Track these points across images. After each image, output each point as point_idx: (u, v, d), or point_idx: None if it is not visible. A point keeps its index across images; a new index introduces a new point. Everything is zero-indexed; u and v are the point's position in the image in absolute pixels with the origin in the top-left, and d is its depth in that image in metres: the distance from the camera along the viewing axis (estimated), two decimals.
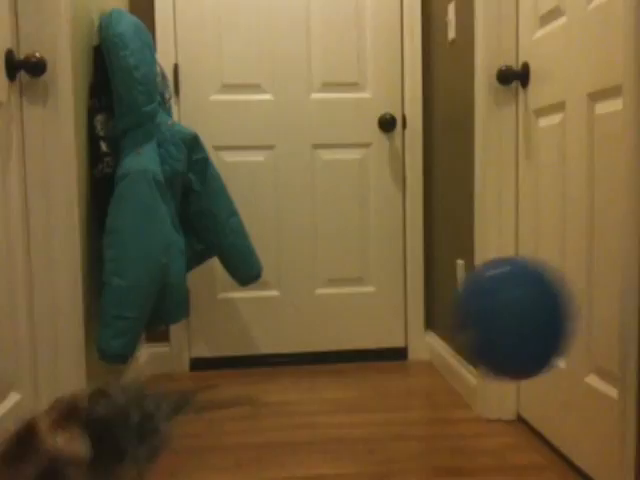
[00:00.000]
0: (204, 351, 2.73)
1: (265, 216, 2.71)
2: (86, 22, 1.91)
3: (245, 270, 2.21)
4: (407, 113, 2.72)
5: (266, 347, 2.74)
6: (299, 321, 2.76)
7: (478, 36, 1.99)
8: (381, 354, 2.78)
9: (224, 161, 2.65)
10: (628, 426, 1.28)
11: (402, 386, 2.44)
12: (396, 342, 2.81)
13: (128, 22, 1.89)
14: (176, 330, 2.68)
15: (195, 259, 2.17)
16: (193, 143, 2.04)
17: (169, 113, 2.17)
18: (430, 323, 2.79)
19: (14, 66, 1.55)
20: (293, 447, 1.87)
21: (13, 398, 1.56)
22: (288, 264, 2.73)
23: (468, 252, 2.21)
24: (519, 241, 1.97)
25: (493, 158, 1.97)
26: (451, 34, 2.34)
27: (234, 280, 2.26)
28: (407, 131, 2.72)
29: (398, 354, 2.80)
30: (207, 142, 2.57)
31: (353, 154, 2.74)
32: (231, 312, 2.73)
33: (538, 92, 1.82)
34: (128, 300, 1.75)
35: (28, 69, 1.57)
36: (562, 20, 1.66)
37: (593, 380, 1.55)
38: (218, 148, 2.66)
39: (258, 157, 2.70)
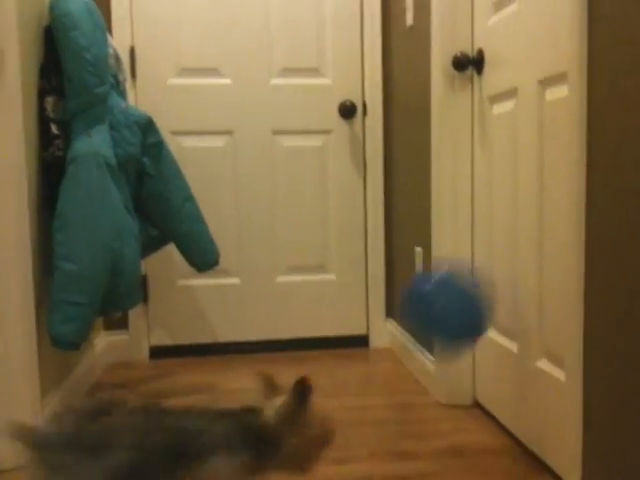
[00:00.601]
0: (163, 339, 2.70)
1: (224, 202, 2.68)
2: (36, 1, 1.86)
3: (202, 256, 2.18)
4: (367, 100, 2.71)
5: (226, 335, 2.73)
6: (259, 309, 2.75)
7: (434, 22, 1.99)
8: (343, 342, 2.79)
9: (182, 146, 2.62)
10: (574, 409, 1.30)
11: (362, 373, 2.45)
12: (358, 330, 2.82)
13: (79, 2, 1.85)
14: (135, 318, 2.65)
15: (150, 245, 2.14)
16: (147, 127, 2.00)
17: (123, 96, 2.13)
18: (390, 311, 2.81)
19: None
20: None
21: None
22: (248, 251, 2.72)
23: (426, 240, 2.22)
24: (474, 227, 1.98)
25: (448, 145, 1.98)
26: (409, 20, 2.34)
27: (191, 267, 2.24)
28: (367, 118, 2.72)
29: (359, 342, 2.81)
30: (164, 127, 2.54)
31: (313, 141, 2.73)
32: (191, 300, 2.71)
33: (492, 79, 1.82)
34: (79, 285, 1.72)
35: None
36: (513, 7, 1.66)
37: (544, 364, 1.57)
38: (176, 133, 2.62)
39: (217, 143, 2.67)
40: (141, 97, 2.58)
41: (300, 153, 2.73)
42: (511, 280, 1.74)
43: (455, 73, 1.94)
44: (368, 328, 2.81)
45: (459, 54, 1.90)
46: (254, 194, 2.71)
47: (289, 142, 2.72)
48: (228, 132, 2.67)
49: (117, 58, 2.12)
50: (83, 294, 1.72)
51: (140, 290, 1.96)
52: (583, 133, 1.25)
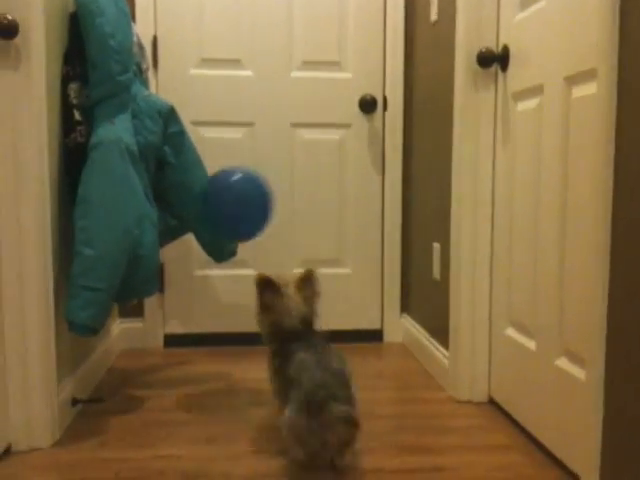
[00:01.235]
0: (178, 327, 2.71)
1: None
2: None
3: (220, 247, 2.19)
4: (388, 94, 2.70)
5: (242, 325, 2.73)
6: None
7: (459, 18, 1.97)
8: (357, 335, 2.79)
9: (202, 137, 2.62)
10: (594, 409, 1.29)
11: (375, 367, 2.45)
12: (372, 324, 2.82)
13: None
14: (150, 306, 2.66)
15: (168, 235, 2.14)
16: (169, 115, 2.00)
17: (146, 84, 2.14)
18: (405, 306, 2.80)
19: None
20: (262, 423, 1.87)
21: None
22: (265, 243, 2.72)
23: (444, 236, 2.21)
24: (494, 225, 1.98)
25: (471, 142, 1.97)
26: (433, 15, 2.32)
27: (209, 257, 2.24)
28: (387, 113, 2.71)
29: (373, 336, 2.81)
30: (185, 117, 2.53)
31: (332, 134, 2.73)
32: (207, 289, 2.72)
33: (517, 75, 1.81)
34: (98, 271, 1.72)
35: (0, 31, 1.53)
36: (542, 2, 1.65)
37: (563, 363, 1.56)
38: (196, 123, 2.63)
39: (236, 134, 2.68)
40: (163, 86, 2.59)
41: (319, 146, 2.72)
42: (531, 277, 1.73)
43: (479, 69, 1.93)
44: (382, 323, 2.81)
45: (484, 50, 1.89)
46: (272, 186, 2.70)
47: (308, 135, 2.71)
48: (248, 124, 2.67)
49: (141, 46, 2.13)
50: (102, 280, 1.73)
51: (157, 279, 1.97)
52: (612, 132, 1.23)
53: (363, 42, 2.69)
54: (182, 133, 2.05)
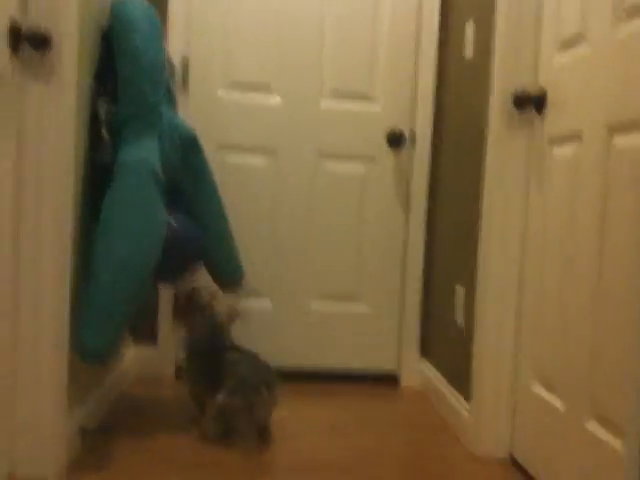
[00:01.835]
0: None
1: (260, 223, 2.63)
2: (96, 3, 1.84)
3: (225, 273, 2.15)
4: (417, 130, 2.65)
5: None
6: (290, 333, 2.68)
7: (496, 58, 1.91)
8: (370, 377, 2.70)
9: (225, 161, 2.58)
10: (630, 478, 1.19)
11: (389, 413, 2.34)
12: (388, 366, 2.72)
13: (140, 7, 1.83)
14: (163, 334, 2.60)
15: None
16: (191, 145, 1.96)
17: (173, 105, 2.10)
18: (425, 350, 2.70)
19: (18, 37, 1.47)
20: (269, 467, 1.78)
21: None
22: (280, 272, 2.65)
23: (469, 278, 2.13)
24: (524, 272, 1.89)
25: (502, 185, 1.90)
26: (468, 52, 2.27)
27: (215, 283, 2.20)
28: (415, 148, 2.65)
29: (389, 379, 2.71)
30: (212, 140, 2.54)
31: (357, 167, 2.67)
32: None
33: (554, 119, 1.74)
34: (112, 296, 1.66)
35: (32, 42, 1.49)
36: (584, 47, 1.58)
37: (594, 427, 1.46)
38: (222, 146, 2.59)
39: (259, 161, 2.63)
40: (191, 108, 2.56)
41: (342, 178, 2.67)
42: (560, 331, 1.63)
43: (514, 111, 1.86)
44: (399, 365, 2.72)
45: (520, 91, 1.83)
46: (291, 216, 2.66)
47: (332, 166, 2.66)
48: (272, 151, 2.63)
49: (171, 65, 2.10)
50: (116, 306, 1.67)
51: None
52: None
53: (394, 74, 2.65)
54: (203, 167, 2.01)
